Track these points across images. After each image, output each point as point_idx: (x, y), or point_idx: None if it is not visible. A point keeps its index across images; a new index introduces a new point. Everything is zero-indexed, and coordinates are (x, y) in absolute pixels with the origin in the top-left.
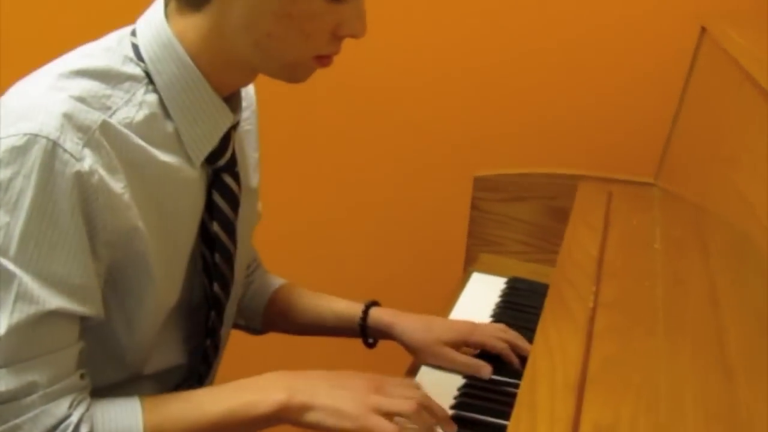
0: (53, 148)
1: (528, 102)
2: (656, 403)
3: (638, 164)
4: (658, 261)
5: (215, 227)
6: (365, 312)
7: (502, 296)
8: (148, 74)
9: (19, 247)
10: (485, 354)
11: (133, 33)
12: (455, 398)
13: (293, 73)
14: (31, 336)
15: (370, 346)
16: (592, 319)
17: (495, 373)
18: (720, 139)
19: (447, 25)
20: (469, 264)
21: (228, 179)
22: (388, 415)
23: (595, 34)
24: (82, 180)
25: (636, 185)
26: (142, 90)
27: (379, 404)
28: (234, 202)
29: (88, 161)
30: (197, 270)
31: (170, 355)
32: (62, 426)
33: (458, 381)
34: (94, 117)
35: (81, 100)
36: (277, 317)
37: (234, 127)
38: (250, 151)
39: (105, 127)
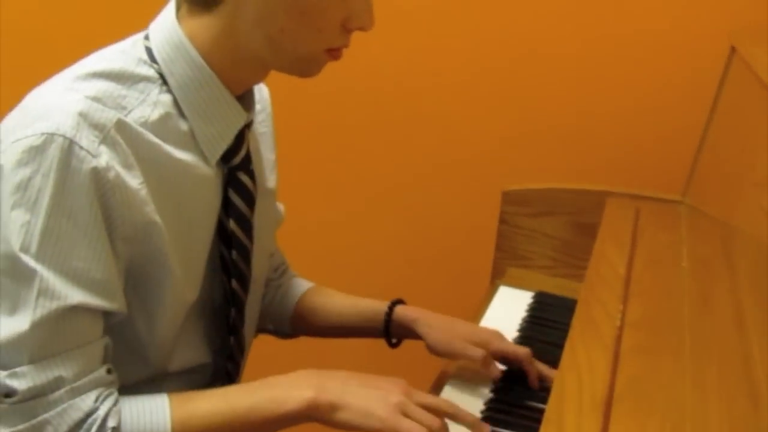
0: (70, 145)
1: (558, 118)
2: (682, 424)
3: (666, 181)
4: (685, 280)
5: (232, 225)
6: (391, 308)
7: (528, 311)
8: (161, 75)
9: (40, 244)
10: (509, 370)
11: (146, 37)
12: (482, 413)
13: (306, 67)
14: (55, 331)
15: (394, 345)
16: (619, 338)
17: (521, 388)
18: (748, 158)
19: (481, 40)
20: (497, 277)
21: (243, 177)
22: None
23: (625, 50)
24: (98, 176)
25: (663, 202)
26: (156, 90)
27: (407, 408)
28: (250, 200)
29: (105, 158)
30: (216, 268)
31: (194, 353)
32: (90, 420)
33: (485, 396)
34: (109, 115)
35: (96, 99)
36: (304, 320)
37: (248, 125)
38: (266, 152)
39: (120, 125)
